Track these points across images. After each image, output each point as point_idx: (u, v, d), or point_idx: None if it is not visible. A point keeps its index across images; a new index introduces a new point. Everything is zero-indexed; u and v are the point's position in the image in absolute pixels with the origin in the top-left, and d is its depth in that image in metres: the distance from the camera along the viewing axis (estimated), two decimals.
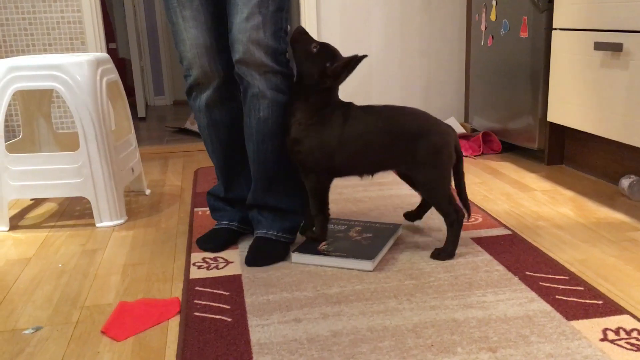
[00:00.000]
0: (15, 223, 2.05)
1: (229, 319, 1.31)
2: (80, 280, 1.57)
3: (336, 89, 1.60)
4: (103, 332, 1.29)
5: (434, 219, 1.89)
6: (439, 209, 1.60)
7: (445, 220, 1.59)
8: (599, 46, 2.03)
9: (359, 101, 3.39)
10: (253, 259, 1.60)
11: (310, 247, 1.63)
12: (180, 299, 1.43)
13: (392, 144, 1.54)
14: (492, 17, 2.72)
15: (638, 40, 1.87)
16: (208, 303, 1.39)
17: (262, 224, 1.67)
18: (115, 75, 2.16)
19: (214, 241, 1.72)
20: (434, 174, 1.55)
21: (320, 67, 1.53)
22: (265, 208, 1.67)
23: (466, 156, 2.72)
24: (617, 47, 1.95)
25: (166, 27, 4.92)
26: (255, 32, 1.48)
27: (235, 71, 1.56)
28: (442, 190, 1.57)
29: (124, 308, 1.39)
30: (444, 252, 1.58)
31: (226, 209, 1.78)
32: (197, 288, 1.47)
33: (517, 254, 1.60)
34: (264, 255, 1.61)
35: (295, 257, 1.60)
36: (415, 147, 1.53)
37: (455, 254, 1.59)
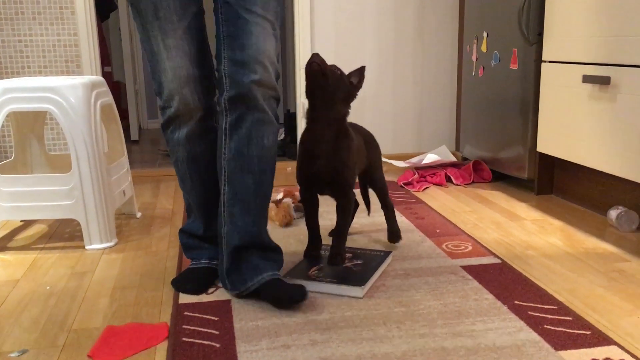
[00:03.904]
0: (4, 244, 2.04)
1: (218, 345, 1.30)
2: (68, 303, 1.55)
3: None
4: (90, 357, 1.28)
5: (424, 246, 1.89)
6: (387, 199, 1.90)
7: (390, 208, 1.91)
8: (587, 79, 2.07)
9: None
10: (291, 302, 1.47)
11: (300, 273, 1.63)
12: (169, 323, 1.42)
13: (365, 150, 1.80)
14: (483, 48, 2.77)
15: (625, 74, 1.91)
16: (197, 328, 1.38)
17: (270, 266, 1.52)
18: (109, 98, 2.17)
19: (193, 282, 1.59)
20: (382, 171, 1.91)
21: (348, 85, 1.61)
22: (262, 247, 1.53)
23: (457, 184, 2.74)
24: (604, 81, 1.99)
25: None
26: (272, 53, 1.46)
27: (238, 94, 1.44)
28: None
29: (112, 332, 1.38)
30: (398, 235, 1.91)
31: (204, 246, 1.65)
32: (186, 313, 1.46)
33: (506, 283, 1.60)
34: (295, 296, 1.47)
35: None
36: (372, 151, 1.84)
37: (445, 282, 1.60)
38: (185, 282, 1.60)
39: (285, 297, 1.45)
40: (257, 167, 1.48)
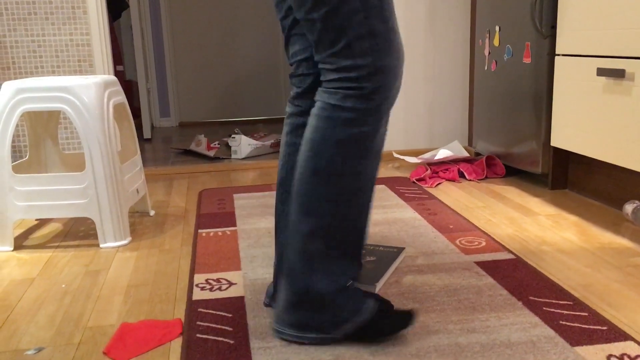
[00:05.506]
0: (20, 243, 2.06)
1: (231, 341, 1.31)
2: (83, 301, 1.57)
3: None
4: (105, 354, 1.29)
5: (437, 242, 1.89)
6: None
7: None
8: (601, 72, 2.05)
9: None
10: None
11: None
12: (183, 320, 1.43)
13: None
14: (496, 42, 2.75)
15: None
16: (210, 325, 1.38)
17: None
18: (122, 97, 2.18)
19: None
20: None
21: None
22: None
23: (470, 180, 2.73)
24: (619, 74, 1.96)
25: (173, 49, 4.98)
26: None
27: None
28: None
29: (126, 329, 1.39)
30: None
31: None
32: (199, 309, 1.46)
33: (521, 278, 1.59)
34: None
35: None
36: None
37: (459, 278, 1.59)
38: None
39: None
40: None
